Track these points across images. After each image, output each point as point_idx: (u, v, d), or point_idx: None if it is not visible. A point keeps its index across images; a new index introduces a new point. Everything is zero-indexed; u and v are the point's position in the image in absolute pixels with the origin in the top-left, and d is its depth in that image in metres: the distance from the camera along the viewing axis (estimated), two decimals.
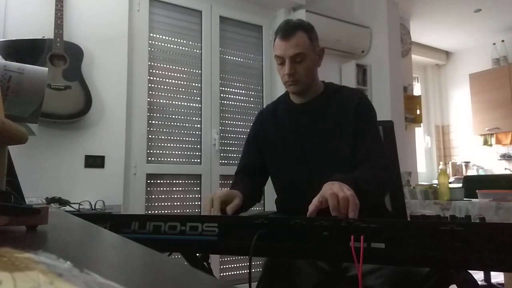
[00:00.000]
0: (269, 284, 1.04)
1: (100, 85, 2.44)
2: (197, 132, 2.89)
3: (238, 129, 3.08)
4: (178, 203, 2.77)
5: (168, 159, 2.77)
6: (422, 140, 5.36)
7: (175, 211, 2.74)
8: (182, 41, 2.91)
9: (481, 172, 4.99)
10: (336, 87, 1.40)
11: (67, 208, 1.91)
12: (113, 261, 0.36)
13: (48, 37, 2.22)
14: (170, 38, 2.86)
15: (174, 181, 2.79)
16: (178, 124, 2.82)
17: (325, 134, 1.29)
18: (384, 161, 1.23)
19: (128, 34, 2.61)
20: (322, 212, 0.93)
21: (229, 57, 3.12)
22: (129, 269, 0.32)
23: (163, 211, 2.70)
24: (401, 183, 1.54)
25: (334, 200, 0.92)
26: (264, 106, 1.62)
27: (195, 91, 2.92)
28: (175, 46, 2.88)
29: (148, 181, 2.67)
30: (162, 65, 2.81)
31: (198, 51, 2.97)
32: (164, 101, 2.79)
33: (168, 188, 2.76)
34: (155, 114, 2.74)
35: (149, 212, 2.64)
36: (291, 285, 1.01)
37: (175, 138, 2.80)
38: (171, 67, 2.84)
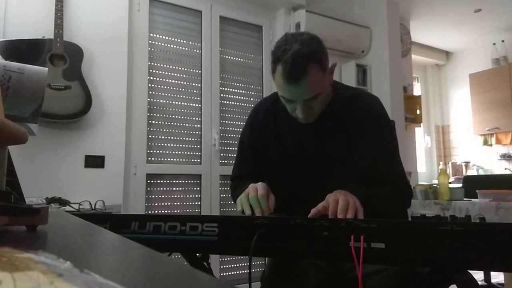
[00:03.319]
0: (274, 284, 1.04)
1: (100, 85, 2.44)
2: (197, 132, 2.89)
3: (238, 129, 3.07)
4: (178, 203, 2.77)
5: (168, 159, 2.77)
6: (422, 140, 5.36)
7: (175, 211, 2.74)
8: (182, 41, 2.91)
9: (481, 172, 4.99)
10: (348, 95, 1.21)
11: (67, 208, 1.91)
12: (113, 261, 0.36)
13: (48, 37, 2.22)
14: (170, 38, 2.86)
15: (174, 181, 2.79)
16: (178, 124, 2.82)
17: (333, 150, 1.17)
18: (404, 187, 1.17)
19: (128, 34, 2.61)
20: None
21: (229, 57, 3.12)
22: (129, 269, 0.32)
23: (163, 211, 2.70)
24: None
25: (335, 205, 0.93)
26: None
27: (195, 91, 2.92)
28: (175, 46, 2.88)
29: (148, 181, 2.67)
30: (162, 65, 2.81)
31: (198, 51, 2.97)
32: (164, 101, 2.79)
33: (168, 188, 2.76)
34: (155, 114, 2.74)
35: (149, 212, 2.64)
36: (297, 285, 1.01)
37: (175, 138, 2.80)
38: (171, 67, 2.84)
